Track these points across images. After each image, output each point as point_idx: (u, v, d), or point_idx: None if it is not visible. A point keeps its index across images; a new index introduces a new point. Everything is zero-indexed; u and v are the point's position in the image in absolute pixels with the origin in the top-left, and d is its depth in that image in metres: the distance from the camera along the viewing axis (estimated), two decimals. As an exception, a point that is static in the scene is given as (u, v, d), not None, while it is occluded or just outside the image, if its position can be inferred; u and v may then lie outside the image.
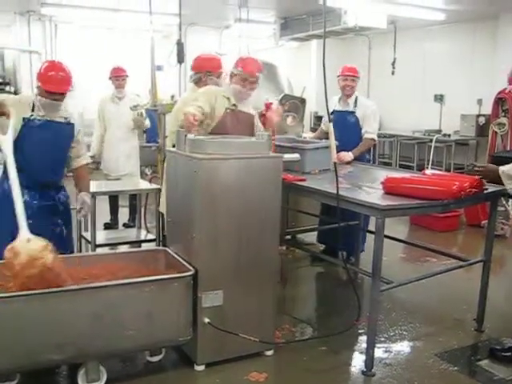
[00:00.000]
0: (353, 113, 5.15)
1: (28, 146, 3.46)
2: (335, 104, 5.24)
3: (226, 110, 3.70)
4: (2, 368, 2.76)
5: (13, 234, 3.00)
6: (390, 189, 3.46)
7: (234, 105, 3.73)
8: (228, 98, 3.74)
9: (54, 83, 3.46)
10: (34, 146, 3.48)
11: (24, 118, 3.45)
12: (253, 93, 3.78)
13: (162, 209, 4.37)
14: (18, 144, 3.35)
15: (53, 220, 3.62)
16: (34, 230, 3.01)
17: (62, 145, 3.65)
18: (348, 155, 4.88)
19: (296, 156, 3.90)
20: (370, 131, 5.15)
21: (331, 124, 3.16)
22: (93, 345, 2.90)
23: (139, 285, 3.00)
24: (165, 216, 4.22)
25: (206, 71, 4.32)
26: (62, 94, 3.52)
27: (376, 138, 5.29)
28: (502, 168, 3.28)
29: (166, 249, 3.56)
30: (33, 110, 3.51)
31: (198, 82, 4.32)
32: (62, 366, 3.24)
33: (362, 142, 5.13)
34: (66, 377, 3.23)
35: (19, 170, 3.17)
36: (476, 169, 3.44)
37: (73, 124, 3.68)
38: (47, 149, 3.53)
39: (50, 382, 3.19)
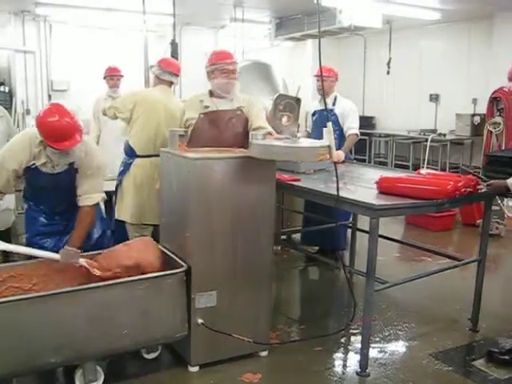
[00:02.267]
0: (331, 110, 5.21)
1: (33, 187, 3.39)
2: (317, 105, 5.37)
3: (200, 115, 3.66)
4: (-1, 373, 2.74)
5: None
6: (384, 188, 3.45)
7: (206, 106, 3.67)
8: (202, 101, 3.71)
9: (62, 139, 3.02)
10: (38, 188, 3.37)
11: (26, 167, 3.23)
12: (237, 83, 3.73)
13: (123, 215, 4.32)
14: (25, 179, 3.34)
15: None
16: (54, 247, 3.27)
17: (68, 188, 3.38)
18: (341, 154, 4.92)
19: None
20: (352, 126, 5.22)
21: (330, 123, 3.14)
22: (90, 346, 2.89)
23: (133, 283, 2.99)
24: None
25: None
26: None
27: (358, 133, 5.33)
28: (509, 181, 3.36)
29: (158, 245, 3.53)
30: (44, 151, 3.18)
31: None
32: (59, 368, 3.22)
33: (348, 139, 5.21)
34: (62, 378, 3.22)
35: (31, 200, 3.39)
36: (487, 186, 3.49)
37: (76, 169, 3.34)
38: (53, 192, 3.37)
39: (46, 384, 3.18)
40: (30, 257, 3.27)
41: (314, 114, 5.33)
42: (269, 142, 3.20)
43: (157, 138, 4.20)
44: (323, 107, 5.22)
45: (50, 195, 3.40)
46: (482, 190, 3.50)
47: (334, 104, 5.27)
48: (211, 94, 3.74)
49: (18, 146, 3.24)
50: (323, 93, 2.97)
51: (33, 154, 3.20)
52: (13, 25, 9.47)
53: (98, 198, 3.44)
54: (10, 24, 9.47)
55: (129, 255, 3.21)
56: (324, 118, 5.12)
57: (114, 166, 6.15)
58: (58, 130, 3.01)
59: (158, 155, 4.27)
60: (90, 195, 3.36)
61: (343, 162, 4.87)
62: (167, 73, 4.29)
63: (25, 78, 9.44)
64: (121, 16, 8.76)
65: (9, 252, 4.80)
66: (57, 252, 3.20)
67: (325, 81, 5.16)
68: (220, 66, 3.64)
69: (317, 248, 5.60)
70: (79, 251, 3.20)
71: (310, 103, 5.19)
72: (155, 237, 3.86)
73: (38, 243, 3.41)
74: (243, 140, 3.62)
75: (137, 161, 4.28)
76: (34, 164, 3.22)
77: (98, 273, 3.13)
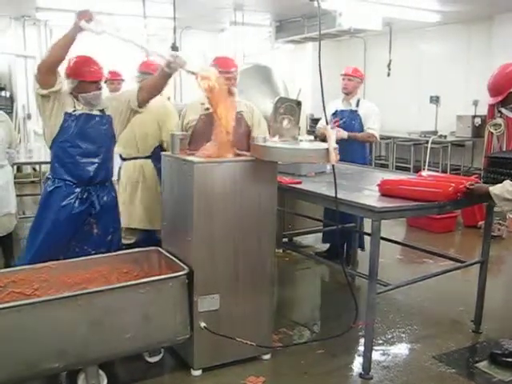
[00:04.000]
0: (355, 111, 5.27)
1: (68, 141, 3.40)
2: (339, 104, 5.37)
3: (200, 117, 3.70)
4: (1, 379, 2.71)
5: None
6: (385, 191, 3.45)
7: (207, 108, 3.67)
8: (202, 104, 3.73)
9: (94, 71, 3.43)
10: (74, 140, 3.40)
11: (65, 113, 3.38)
12: (234, 89, 3.76)
13: (137, 223, 4.32)
14: (57, 138, 3.39)
15: (87, 219, 3.49)
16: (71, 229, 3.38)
17: (103, 137, 3.51)
18: (343, 132, 4.98)
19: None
20: (373, 128, 5.25)
21: (329, 126, 3.15)
22: (92, 350, 2.88)
23: (135, 287, 2.98)
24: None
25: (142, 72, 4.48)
26: (99, 81, 3.46)
27: (377, 136, 5.37)
28: (492, 190, 3.20)
29: (159, 249, 3.54)
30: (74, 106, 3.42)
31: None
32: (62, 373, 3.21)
33: (365, 133, 5.24)
34: (65, 383, 3.21)
35: (63, 166, 3.40)
36: (468, 187, 3.36)
37: (109, 115, 3.53)
38: (88, 143, 3.44)
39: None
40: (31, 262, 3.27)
41: (334, 114, 5.29)
42: (274, 144, 3.21)
43: (138, 140, 4.21)
44: (346, 107, 5.30)
45: (85, 149, 3.42)
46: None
47: (357, 105, 5.30)
48: None
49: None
50: (322, 91, 2.95)
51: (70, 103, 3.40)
52: (13, 29, 9.50)
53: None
54: (10, 29, 9.50)
55: None
56: (348, 117, 5.25)
57: (115, 168, 6.16)
58: (89, 61, 3.46)
59: (141, 157, 4.30)
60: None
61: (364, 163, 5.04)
62: (146, 74, 4.26)
63: (26, 83, 9.45)
64: (121, 20, 8.77)
65: (10, 258, 4.83)
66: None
67: (351, 81, 5.30)
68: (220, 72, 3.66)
69: (327, 246, 5.61)
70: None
71: (329, 102, 5.17)
72: (142, 243, 3.88)
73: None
74: (244, 143, 3.63)
75: (123, 164, 4.32)
76: (74, 110, 3.39)
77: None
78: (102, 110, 3.50)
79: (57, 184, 3.44)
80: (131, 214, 4.28)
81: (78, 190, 3.43)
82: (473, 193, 3.35)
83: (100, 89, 3.45)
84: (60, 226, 3.40)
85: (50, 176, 3.55)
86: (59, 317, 2.77)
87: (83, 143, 3.41)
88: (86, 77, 3.38)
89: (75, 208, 3.41)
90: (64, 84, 3.37)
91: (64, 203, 3.40)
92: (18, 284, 3.14)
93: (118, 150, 4.08)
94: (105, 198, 3.54)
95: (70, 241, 3.44)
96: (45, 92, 3.30)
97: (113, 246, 3.60)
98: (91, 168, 3.44)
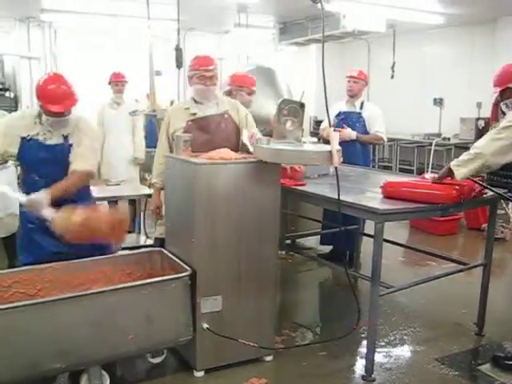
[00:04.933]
0: (359, 113, 5.28)
1: (28, 164, 3.35)
2: (342, 106, 5.38)
3: (188, 123, 3.68)
4: (3, 380, 2.72)
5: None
6: (389, 193, 3.45)
7: (194, 113, 3.70)
8: (187, 109, 3.73)
9: (55, 101, 3.12)
10: (34, 163, 3.32)
11: (22, 138, 3.25)
12: (216, 89, 3.77)
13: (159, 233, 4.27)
14: (20, 159, 3.34)
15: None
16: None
17: (63, 164, 3.30)
18: (352, 133, 5.01)
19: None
20: (380, 130, 5.27)
21: (332, 129, 3.15)
22: (95, 351, 2.88)
23: (138, 288, 2.99)
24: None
25: (236, 86, 4.61)
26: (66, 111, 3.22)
27: (385, 139, 5.39)
28: (452, 162, 3.32)
29: (162, 249, 3.55)
30: (40, 122, 3.26)
31: (229, 95, 4.47)
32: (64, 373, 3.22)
33: (372, 135, 5.26)
34: (68, 383, 3.22)
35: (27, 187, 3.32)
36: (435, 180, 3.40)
37: (70, 144, 3.32)
38: (49, 167, 3.31)
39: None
40: (35, 263, 3.28)
41: (338, 115, 5.31)
42: (277, 146, 3.22)
43: None
44: (349, 109, 5.32)
45: (45, 173, 3.29)
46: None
47: (361, 108, 5.31)
48: (195, 100, 3.76)
49: (16, 114, 3.38)
50: (325, 93, 2.96)
51: (29, 124, 3.27)
52: (18, 31, 9.53)
53: (90, 165, 3.33)
54: (15, 30, 9.53)
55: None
56: (351, 119, 5.28)
57: (117, 169, 6.20)
58: (54, 93, 3.14)
59: None
60: (80, 160, 3.27)
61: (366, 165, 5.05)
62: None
63: (30, 84, 9.48)
64: (125, 21, 8.81)
65: (14, 258, 4.84)
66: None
67: (356, 83, 5.31)
68: (198, 72, 3.67)
69: (330, 248, 5.62)
70: (46, 201, 3.06)
71: (333, 104, 5.18)
72: None
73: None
74: (235, 142, 3.65)
75: None
76: (28, 135, 3.26)
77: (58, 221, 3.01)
78: (66, 136, 3.30)
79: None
80: None
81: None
82: (441, 177, 3.37)
83: (64, 116, 3.21)
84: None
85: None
86: (62, 317, 2.78)
87: (42, 168, 3.30)
88: (47, 107, 3.15)
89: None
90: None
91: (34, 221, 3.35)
92: (21, 284, 3.15)
93: None
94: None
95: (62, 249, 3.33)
96: None
97: (108, 248, 3.54)
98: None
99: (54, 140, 3.30)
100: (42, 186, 3.22)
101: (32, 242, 3.39)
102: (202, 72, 3.66)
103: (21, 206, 3.37)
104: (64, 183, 3.22)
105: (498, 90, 3.38)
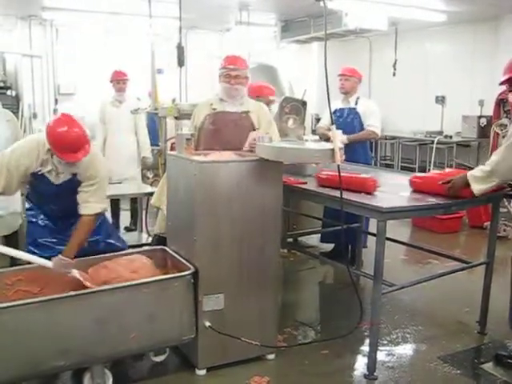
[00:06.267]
0: (354, 109, 5.34)
1: (36, 193, 3.42)
2: (338, 104, 5.42)
3: (206, 117, 3.76)
4: (7, 378, 2.72)
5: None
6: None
7: (214, 108, 3.76)
8: (211, 104, 3.79)
9: (69, 152, 3.06)
10: (41, 195, 3.41)
11: (33, 173, 3.24)
12: (242, 89, 3.78)
13: (159, 229, 4.37)
14: (29, 184, 3.36)
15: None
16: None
17: (70, 198, 3.34)
18: (343, 137, 4.97)
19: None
20: (373, 125, 5.31)
21: (334, 126, 3.15)
22: (97, 349, 2.89)
23: (140, 286, 2.99)
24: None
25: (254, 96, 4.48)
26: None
27: (378, 133, 5.41)
28: (469, 172, 3.30)
29: (164, 248, 3.55)
30: (52, 160, 3.22)
31: None
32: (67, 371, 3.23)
33: (364, 131, 5.29)
34: (71, 381, 3.23)
35: (34, 203, 3.46)
36: (444, 183, 3.35)
37: (78, 181, 3.33)
38: (55, 200, 3.40)
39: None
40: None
41: (334, 112, 5.32)
42: (279, 144, 3.22)
43: None
44: (345, 106, 5.39)
45: (53, 203, 3.42)
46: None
47: (356, 103, 5.37)
48: (221, 98, 3.82)
49: (25, 149, 3.23)
50: (327, 91, 2.96)
51: (40, 161, 3.22)
52: (20, 29, 9.52)
53: (99, 208, 3.38)
54: (16, 28, 9.52)
55: (130, 269, 3.20)
56: (345, 115, 5.33)
57: (119, 167, 6.20)
58: (68, 142, 3.04)
59: None
60: (90, 204, 3.31)
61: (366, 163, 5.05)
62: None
63: (31, 83, 9.47)
64: (127, 19, 8.79)
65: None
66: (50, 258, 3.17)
67: (348, 80, 5.39)
68: (224, 70, 3.71)
69: (332, 246, 5.61)
70: (73, 262, 3.13)
71: (332, 103, 5.18)
72: None
73: (39, 245, 3.43)
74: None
75: None
76: (40, 171, 3.24)
77: (89, 285, 3.05)
78: (75, 174, 3.30)
79: (32, 214, 3.54)
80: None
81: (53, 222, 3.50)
82: (454, 186, 3.31)
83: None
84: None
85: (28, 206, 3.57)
86: (66, 315, 2.79)
87: (48, 198, 3.39)
88: (62, 157, 3.11)
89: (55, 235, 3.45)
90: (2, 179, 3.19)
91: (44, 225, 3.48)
92: (24, 282, 3.16)
93: None
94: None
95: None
96: None
97: (109, 248, 3.59)
98: (60, 212, 3.47)
99: (62, 178, 3.31)
100: (58, 214, 3.44)
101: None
102: (228, 71, 3.71)
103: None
104: (76, 239, 3.24)
105: (507, 76, 3.35)
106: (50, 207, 3.47)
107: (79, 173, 3.29)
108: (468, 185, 3.28)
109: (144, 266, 3.27)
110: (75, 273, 3.11)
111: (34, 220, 3.54)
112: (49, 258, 3.18)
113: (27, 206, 3.65)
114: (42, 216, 3.52)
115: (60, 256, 3.12)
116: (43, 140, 3.15)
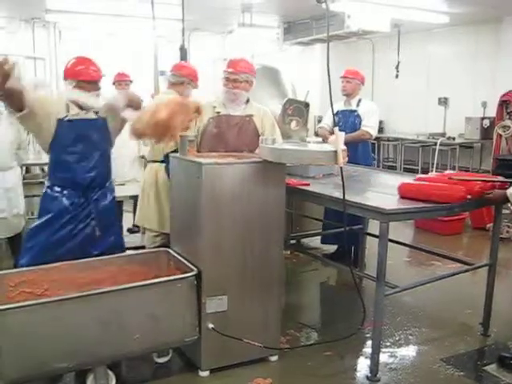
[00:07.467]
0: (355, 111, 5.35)
1: (62, 147, 3.39)
2: (340, 106, 5.44)
3: (209, 120, 3.75)
4: (10, 379, 2.73)
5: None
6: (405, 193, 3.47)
7: (218, 112, 3.75)
8: (214, 107, 3.79)
9: (89, 71, 3.43)
10: (68, 146, 3.39)
11: (58, 120, 3.34)
12: (241, 93, 3.76)
13: (140, 221, 4.44)
14: (53, 145, 3.38)
15: (88, 222, 3.47)
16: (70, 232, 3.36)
17: (98, 141, 3.47)
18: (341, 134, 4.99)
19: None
20: (367, 125, 5.31)
21: (337, 128, 3.16)
22: (101, 350, 2.89)
23: (144, 288, 3.00)
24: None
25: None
26: (97, 82, 3.48)
27: (372, 133, 5.39)
28: (509, 191, 3.40)
29: (168, 249, 3.56)
30: (67, 111, 3.38)
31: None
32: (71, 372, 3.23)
33: (357, 132, 5.29)
34: (74, 382, 3.24)
35: (59, 172, 3.40)
36: (486, 196, 3.47)
37: (105, 118, 3.49)
38: (83, 147, 3.42)
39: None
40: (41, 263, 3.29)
41: (337, 114, 5.34)
42: (282, 146, 3.22)
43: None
44: (347, 108, 5.41)
45: (82, 154, 3.40)
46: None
47: (357, 105, 5.38)
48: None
49: (50, 97, 3.51)
50: (330, 93, 2.96)
51: (64, 106, 3.37)
52: (23, 31, 9.55)
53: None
54: (20, 31, 9.55)
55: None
56: (346, 117, 5.36)
57: (122, 169, 6.20)
58: (85, 63, 3.45)
59: (160, 161, 4.33)
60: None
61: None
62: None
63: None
64: (130, 22, 8.81)
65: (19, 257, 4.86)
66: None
67: (349, 82, 5.41)
68: (226, 75, 3.70)
69: (335, 247, 5.61)
70: (122, 103, 3.30)
71: (334, 104, 5.21)
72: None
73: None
74: (251, 146, 3.65)
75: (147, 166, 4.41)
76: (66, 116, 3.35)
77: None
78: (97, 112, 3.46)
79: (56, 190, 3.43)
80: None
81: (76, 194, 3.42)
82: (491, 199, 3.48)
83: (98, 89, 3.47)
84: (59, 232, 3.40)
85: (48, 183, 3.51)
86: (69, 317, 2.79)
87: (77, 148, 3.39)
88: (83, 76, 3.40)
89: (74, 213, 3.41)
90: (35, 105, 3.27)
91: (62, 208, 3.40)
92: (28, 284, 3.16)
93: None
94: (103, 201, 3.53)
95: (75, 245, 3.43)
96: (17, 116, 3.27)
97: (117, 245, 3.61)
98: (87, 173, 3.43)
99: (90, 114, 3.45)
100: (75, 167, 3.40)
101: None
102: (227, 74, 3.71)
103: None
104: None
105: None
106: (78, 169, 3.40)
107: (100, 111, 3.45)
108: (508, 200, 3.44)
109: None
110: (127, 113, 3.21)
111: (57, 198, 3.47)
112: (49, 262, 3.23)
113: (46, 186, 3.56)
114: (65, 191, 3.43)
115: (109, 99, 3.42)
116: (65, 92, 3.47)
